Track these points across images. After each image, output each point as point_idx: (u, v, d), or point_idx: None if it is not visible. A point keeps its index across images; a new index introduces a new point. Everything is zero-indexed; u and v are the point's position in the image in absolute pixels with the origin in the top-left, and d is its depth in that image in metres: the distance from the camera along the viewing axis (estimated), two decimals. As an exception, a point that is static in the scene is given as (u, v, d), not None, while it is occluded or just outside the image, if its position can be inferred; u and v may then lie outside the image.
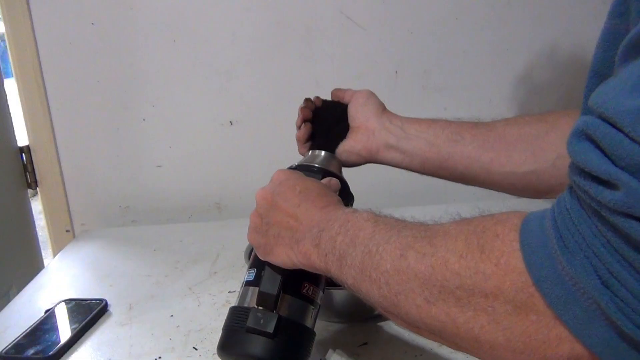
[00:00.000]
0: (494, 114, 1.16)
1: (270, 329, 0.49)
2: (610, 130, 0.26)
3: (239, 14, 1.08)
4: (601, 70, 0.35)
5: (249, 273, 0.56)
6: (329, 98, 0.73)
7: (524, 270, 0.31)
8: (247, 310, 0.51)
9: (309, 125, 0.68)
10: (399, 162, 0.66)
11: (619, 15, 0.33)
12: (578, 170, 0.29)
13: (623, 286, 0.27)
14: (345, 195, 0.60)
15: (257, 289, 0.52)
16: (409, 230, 0.40)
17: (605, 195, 0.27)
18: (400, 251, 0.38)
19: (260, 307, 0.51)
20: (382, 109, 0.69)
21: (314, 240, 0.47)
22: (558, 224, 0.30)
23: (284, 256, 0.50)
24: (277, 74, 1.12)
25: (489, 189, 0.64)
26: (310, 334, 0.54)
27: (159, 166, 1.15)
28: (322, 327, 0.68)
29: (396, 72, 1.13)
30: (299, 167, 0.61)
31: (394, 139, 0.65)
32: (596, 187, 0.27)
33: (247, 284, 0.55)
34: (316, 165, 0.62)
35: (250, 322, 0.50)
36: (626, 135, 0.26)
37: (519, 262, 0.31)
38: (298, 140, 0.70)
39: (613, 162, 0.26)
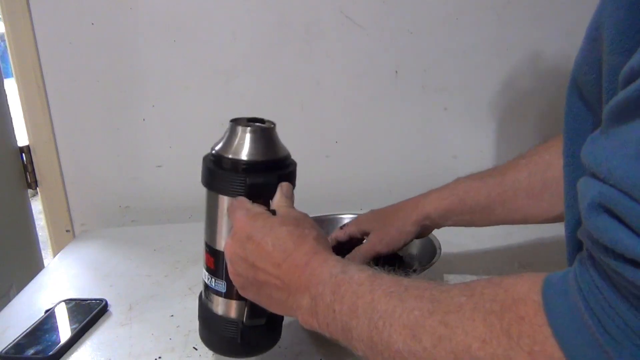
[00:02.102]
0: (493, 114, 1.17)
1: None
2: (633, 205, 0.25)
3: (239, 14, 1.08)
4: (580, 79, 0.36)
5: (216, 283, 0.54)
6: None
7: (562, 359, 0.29)
8: (235, 323, 0.54)
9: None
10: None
11: (593, 40, 0.33)
12: (602, 247, 0.27)
13: None
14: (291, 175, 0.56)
15: (243, 303, 0.53)
16: (412, 301, 0.38)
17: None
18: (412, 331, 0.36)
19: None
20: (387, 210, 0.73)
21: (310, 309, 0.45)
22: (592, 306, 0.28)
23: (286, 315, 0.51)
24: (277, 74, 1.11)
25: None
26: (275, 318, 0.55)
27: (159, 166, 1.15)
28: (322, 327, 0.68)
29: (396, 72, 1.13)
30: (249, 168, 0.55)
31: (429, 221, 0.69)
32: (632, 270, 0.26)
33: (221, 294, 0.55)
34: (262, 159, 0.55)
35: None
36: None
37: (556, 350, 0.29)
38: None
39: None
